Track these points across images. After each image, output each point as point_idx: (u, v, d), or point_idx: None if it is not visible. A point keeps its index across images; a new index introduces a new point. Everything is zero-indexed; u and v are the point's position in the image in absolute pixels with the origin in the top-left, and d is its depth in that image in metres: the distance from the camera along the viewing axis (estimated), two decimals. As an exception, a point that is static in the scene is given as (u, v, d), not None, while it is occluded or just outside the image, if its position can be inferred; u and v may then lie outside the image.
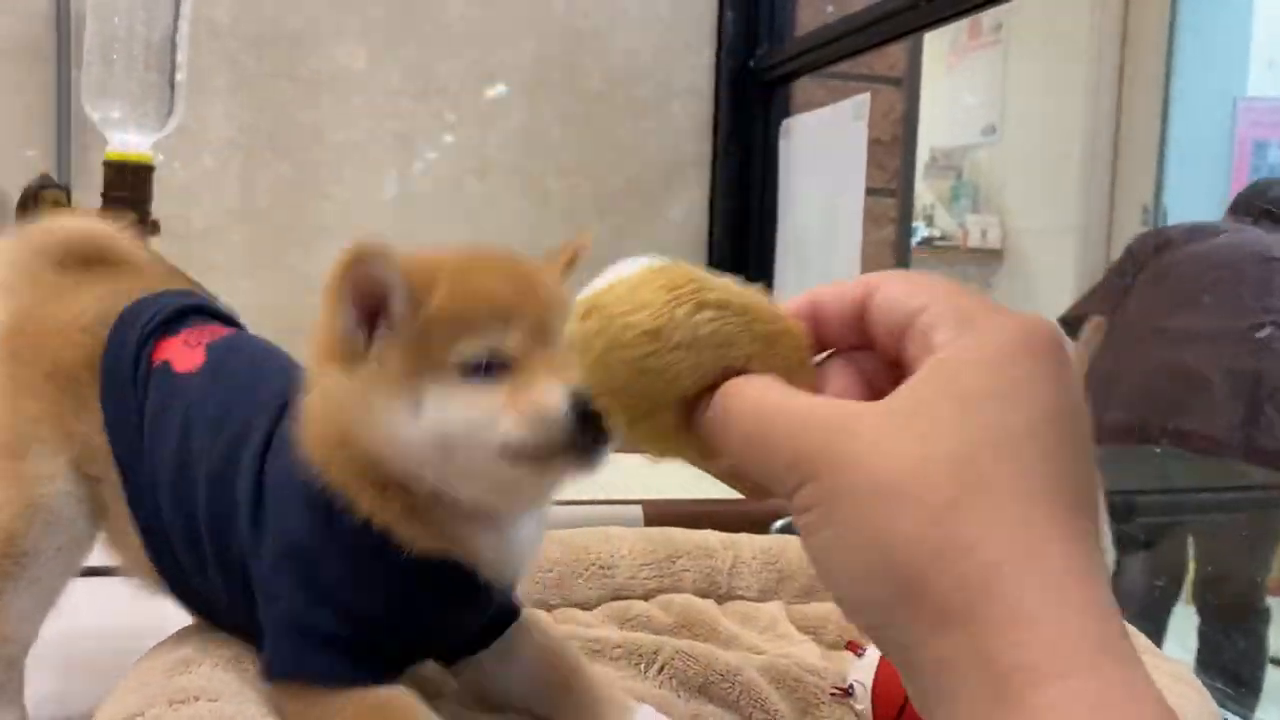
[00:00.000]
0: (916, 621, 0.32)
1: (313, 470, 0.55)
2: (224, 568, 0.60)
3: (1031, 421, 0.32)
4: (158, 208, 1.16)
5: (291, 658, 0.56)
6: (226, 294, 1.16)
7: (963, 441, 0.32)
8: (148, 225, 1.13)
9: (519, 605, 0.65)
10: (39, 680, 0.77)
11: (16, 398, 0.65)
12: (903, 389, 0.34)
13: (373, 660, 0.56)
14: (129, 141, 1.12)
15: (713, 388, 0.37)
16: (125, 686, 0.58)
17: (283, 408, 0.60)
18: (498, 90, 1.57)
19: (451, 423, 0.52)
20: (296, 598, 0.56)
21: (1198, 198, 3.97)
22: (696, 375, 0.37)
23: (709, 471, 0.41)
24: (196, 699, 0.54)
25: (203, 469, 0.61)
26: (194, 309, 0.70)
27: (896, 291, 0.36)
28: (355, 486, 0.55)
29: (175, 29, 1.13)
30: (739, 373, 0.37)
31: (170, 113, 1.14)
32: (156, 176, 1.16)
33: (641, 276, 0.38)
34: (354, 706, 0.54)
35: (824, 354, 0.39)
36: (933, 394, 0.33)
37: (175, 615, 0.69)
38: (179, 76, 1.14)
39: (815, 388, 0.38)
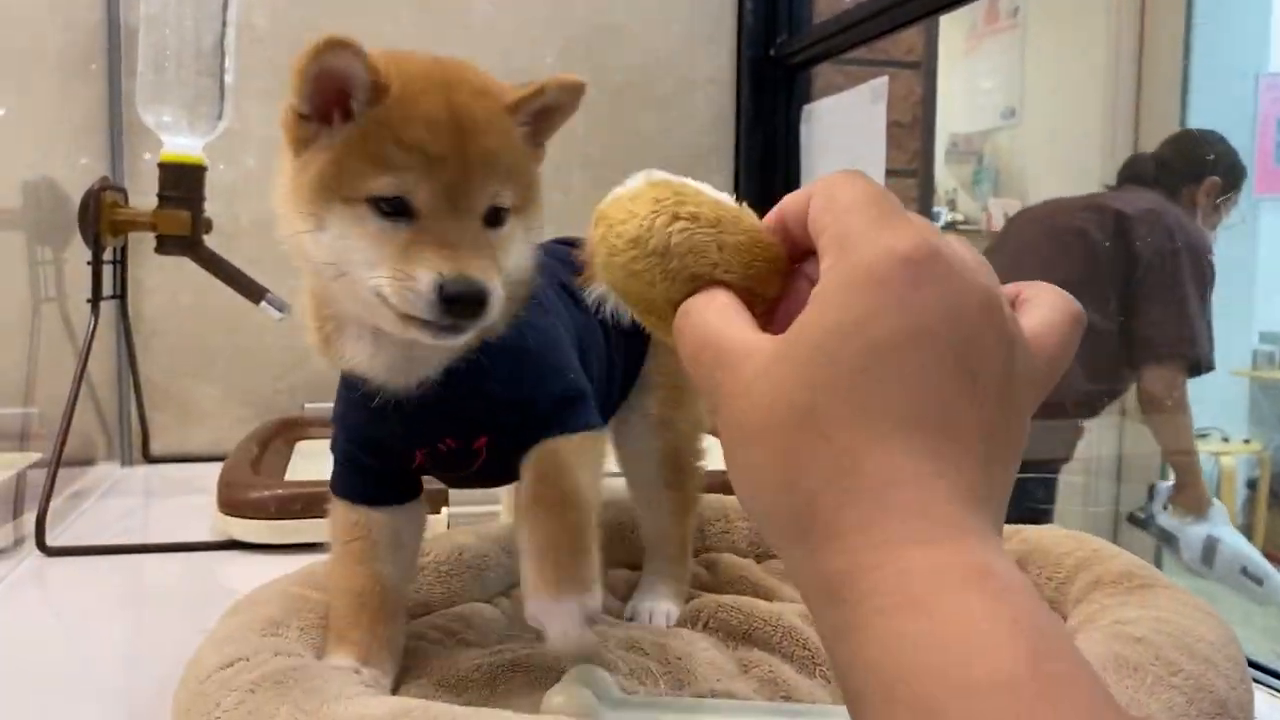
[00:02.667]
0: (773, 540, 0.37)
1: None
2: None
3: (865, 354, 0.34)
4: (206, 206, 1.21)
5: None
6: (273, 286, 1.22)
7: (800, 384, 0.35)
8: (202, 223, 1.19)
9: (569, 426, 0.66)
10: (105, 653, 0.82)
11: None
12: (791, 325, 0.37)
13: (359, 474, 0.67)
14: (182, 144, 1.17)
15: (691, 295, 0.41)
16: (218, 638, 0.60)
17: None
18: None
19: (344, 250, 0.55)
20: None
21: (1220, 175, 3.96)
22: (670, 281, 0.41)
23: None
24: (302, 657, 0.58)
25: None
26: None
27: (817, 207, 0.39)
28: (312, 324, 0.63)
29: (223, 35, 1.17)
30: (710, 281, 0.41)
31: (220, 115, 1.18)
32: (205, 177, 1.21)
33: (638, 190, 0.43)
34: (336, 520, 0.67)
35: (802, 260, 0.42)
36: (796, 334, 0.36)
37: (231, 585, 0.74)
38: (228, 80, 1.18)
39: (780, 295, 0.42)
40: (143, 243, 1.27)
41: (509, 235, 0.59)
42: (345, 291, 0.57)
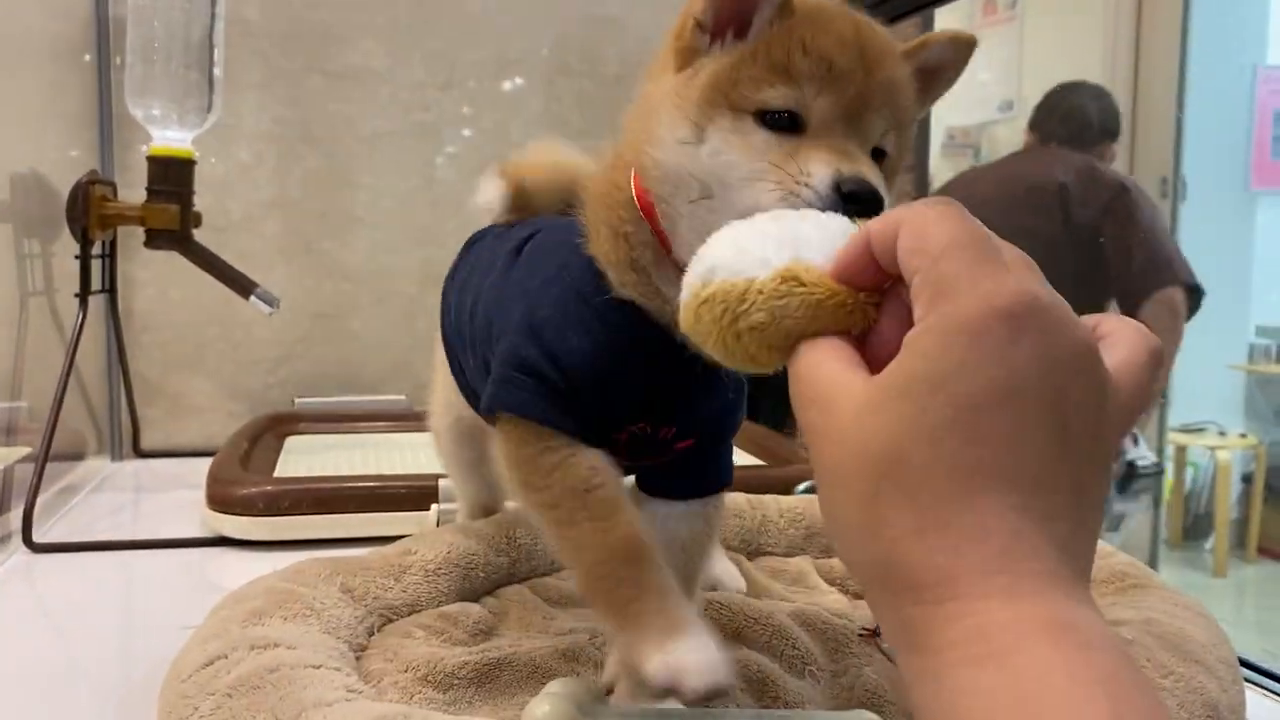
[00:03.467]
0: (858, 580, 0.37)
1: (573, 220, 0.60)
2: (485, 362, 0.65)
3: (956, 408, 0.34)
4: (196, 200, 1.20)
5: (501, 393, 0.59)
6: (263, 281, 1.22)
7: (889, 433, 0.35)
8: (191, 216, 1.18)
9: (723, 484, 0.66)
10: (93, 650, 0.82)
11: None
12: (883, 371, 0.37)
13: (570, 410, 0.57)
14: (171, 137, 1.16)
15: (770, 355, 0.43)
16: (202, 635, 0.60)
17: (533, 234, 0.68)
18: (519, 84, 1.61)
19: (721, 167, 0.51)
20: (514, 338, 0.59)
21: (1218, 168, 3.95)
22: (768, 365, 0.43)
23: None
24: (276, 645, 0.58)
25: (487, 280, 0.68)
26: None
27: (906, 247, 0.38)
28: (597, 225, 0.58)
29: (213, 28, 1.16)
30: (804, 338, 0.41)
31: (210, 109, 1.17)
32: (194, 170, 1.20)
33: (696, 313, 0.44)
34: (561, 466, 0.56)
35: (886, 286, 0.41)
36: (889, 380, 0.36)
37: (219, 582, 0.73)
38: (217, 73, 1.17)
39: (867, 329, 0.41)
40: (133, 237, 1.27)
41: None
42: (700, 218, 0.52)
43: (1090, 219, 2.34)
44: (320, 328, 1.54)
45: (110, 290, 1.34)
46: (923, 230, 0.37)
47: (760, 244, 0.44)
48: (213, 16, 1.17)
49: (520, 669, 0.66)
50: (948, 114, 4.40)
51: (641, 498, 0.66)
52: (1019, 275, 0.36)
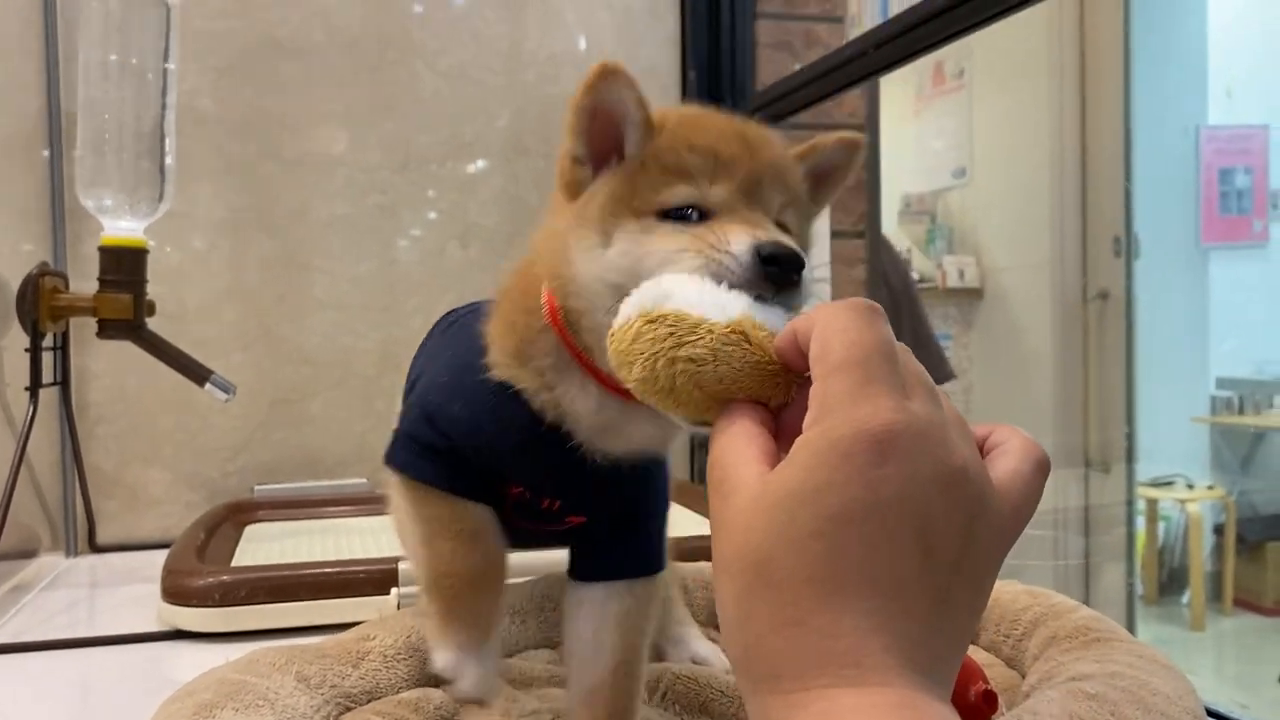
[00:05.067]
0: (730, 663, 0.41)
1: (478, 322, 0.64)
2: None
3: (820, 520, 0.37)
4: (151, 289, 1.20)
5: (393, 449, 0.67)
6: (221, 368, 1.21)
7: (761, 535, 0.38)
8: (145, 305, 1.17)
9: (647, 570, 0.68)
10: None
11: None
12: (771, 474, 0.39)
13: (451, 469, 0.64)
14: (123, 227, 1.16)
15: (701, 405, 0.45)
16: None
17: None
18: (477, 164, 1.62)
19: (634, 260, 0.52)
20: (414, 400, 0.68)
21: (1169, 225, 4.05)
22: (679, 406, 0.45)
23: None
24: None
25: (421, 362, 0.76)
26: None
27: (814, 352, 0.41)
28: (497, 312, 0.62)
29: (163, 118, 1.17)
30: (727, 395, 0.44)
31: (162, 197, 1.17)
32: (149, 260, 1.20)
33: (638, 330, 0.46)
34: (436, 505, 0.64)
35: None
36: (771, 485, 0.39)
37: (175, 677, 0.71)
38: (169, 161, 1.18)
39: (786, 402, 0.44)
40: (86, 328, 1.26)
41: None
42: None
43: (902, 284, 2.36)
44: (279, 413, 1.53)
45: (63, 383, 1.32)
46: (827, 339, 0.40)
47: (717, 292, 0.46)
48: (163, 106, 1.17)
49: (481, 753, 0.64)
50: (904, 181, 4.49)
51: (573, 584, 0.69)
52: (899, 400, 0.38)
